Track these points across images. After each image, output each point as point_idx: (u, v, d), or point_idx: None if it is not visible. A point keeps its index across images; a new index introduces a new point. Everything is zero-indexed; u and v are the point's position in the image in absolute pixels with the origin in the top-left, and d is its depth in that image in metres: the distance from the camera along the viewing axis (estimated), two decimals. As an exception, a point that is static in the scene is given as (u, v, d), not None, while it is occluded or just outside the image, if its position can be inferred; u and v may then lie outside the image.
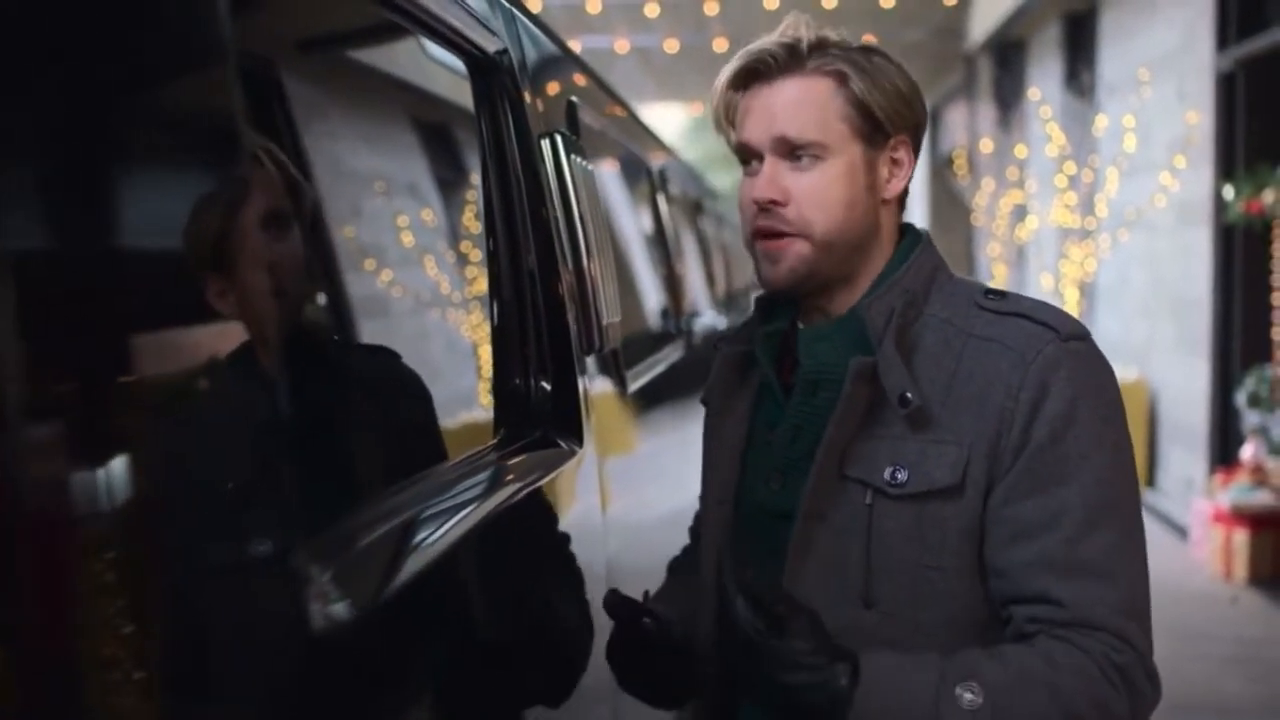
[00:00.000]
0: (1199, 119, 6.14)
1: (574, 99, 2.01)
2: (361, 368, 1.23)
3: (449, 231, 1.51)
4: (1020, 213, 9.68)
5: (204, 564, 0.71)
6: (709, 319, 4.10)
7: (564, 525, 1.48)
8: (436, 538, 1.05)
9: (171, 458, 0.69)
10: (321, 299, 1.19)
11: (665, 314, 3.06)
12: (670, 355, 2.79)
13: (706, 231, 4.73)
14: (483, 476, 1.29)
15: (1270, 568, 5.20)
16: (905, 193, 1.31)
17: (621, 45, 11.55)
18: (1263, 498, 5.28)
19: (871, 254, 1.27)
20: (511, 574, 1.32)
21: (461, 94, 1.52)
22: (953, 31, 11.35)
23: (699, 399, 1.45)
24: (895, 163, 1.27)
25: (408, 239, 1.38)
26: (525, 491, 1.34)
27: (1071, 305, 7.76)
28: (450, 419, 1.38)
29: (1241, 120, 5.91)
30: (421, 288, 1.39)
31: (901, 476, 1.19)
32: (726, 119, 1.30)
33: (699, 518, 1.50)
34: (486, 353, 1.50)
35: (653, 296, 2.95)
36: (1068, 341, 1.19)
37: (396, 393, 1.28)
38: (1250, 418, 5.57)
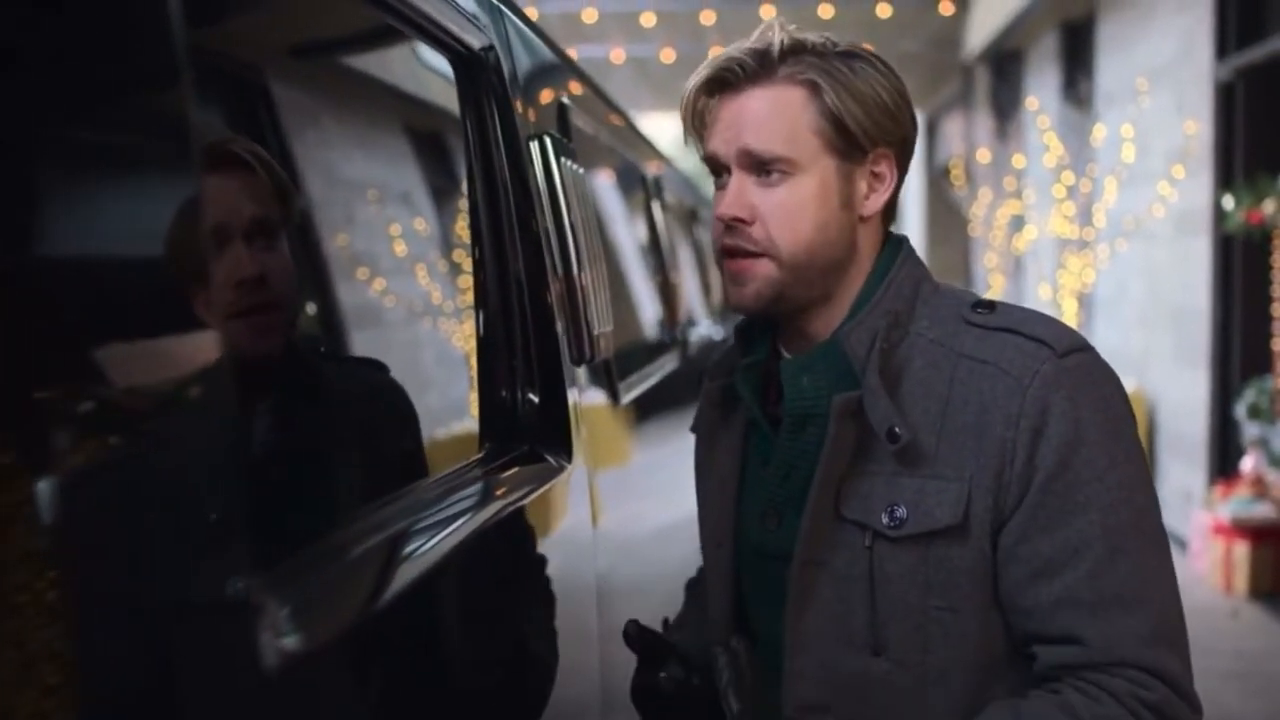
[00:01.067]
0: (1197, 129, 6.09)
1: (565, 101, 1.95)
2: (336, 379, 1.16)
3: (431, 237, 1.45)
4: (1018, 223, 9.63)
5: (148, 591, 0.65)
6: (704, 329, 4.04)
7: (552, 544, 1.41)
8: (412, 561, 0.98)
9: (125, 475, 0.62)
10: (293, 308, 1.12)
11: (660, 323, 2.99)
12: (665, 365, 2.72)
13: (702, 241, 4.67)
14: (465, 494, 1.22)
15: (1271, 581, 5.14)
16: (892, 207, 1.22)
17: (617, 55, 11.50)
18: (1263, 510, 5.22)
19: (849, 273, 1.19)
20: (495, 599, 1.25)
21: (445, 93, 1.46)
22: (950, 41, 11.31)
23: (690, 426, 1.39)
24: (876, 177, 1.18)
25: (386, 245, 1.32)
26: (510, 510, 1.27)
27: (1070, 316, 7.71)
28: (432, 433, 1.31)
29: (1241, 130, 5.87)
30: (401, 295, 1.32)
31: (901, 515, 1.12)
32: (694, 128, 1.22)
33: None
34: (471, 364, 1.43)
35: (647, 306, 2.89)
36: (1065, 357, 1.12)
37: (374, 406, 1.21)
38: (1250, 429, 5.52)
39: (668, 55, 11.45)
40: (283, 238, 1.04)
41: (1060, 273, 8.12)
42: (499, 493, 1.29)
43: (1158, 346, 6.73)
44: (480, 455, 1.36)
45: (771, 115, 1.15)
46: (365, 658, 0.89)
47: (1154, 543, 1.13)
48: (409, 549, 1.00)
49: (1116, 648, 1.08)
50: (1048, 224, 8.50)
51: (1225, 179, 5.84)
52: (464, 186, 1.47)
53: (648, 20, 10.07)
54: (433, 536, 1.05)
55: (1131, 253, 7.15)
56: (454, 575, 1.09)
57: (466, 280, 1.46)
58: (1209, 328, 6.01)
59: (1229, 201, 5.50)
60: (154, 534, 0.65)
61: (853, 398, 1.12)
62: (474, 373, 1.42)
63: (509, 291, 1.46)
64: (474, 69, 1.48)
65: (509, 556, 1.29)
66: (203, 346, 0.68)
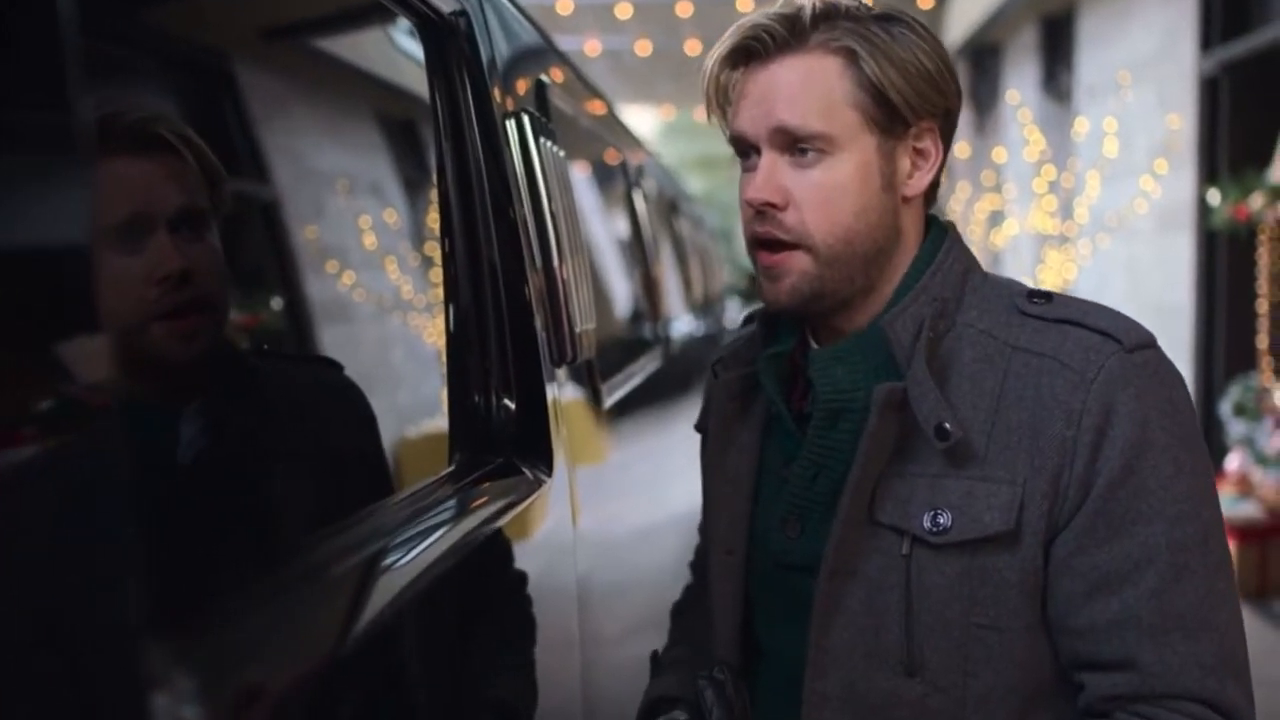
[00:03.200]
0: (1181, 123, 6.03)
1: (545, 79, 1.80)
2: (276, 388, 1.01)
3: (394, 225, 1.29)
4: (996, 218, 9.57)
5: (38, 644, 0.50)
6: (687, 325, 3.90)
7: (531, 569, 1.26)
8: (365, 607, 0.83)
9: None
10: (235, 304, 0.97)
11: (643, 320, 2.84)
12: (648, 365, 2.57)
13: (683, 233, 4.52)
14: (432, 517, 1.07)
15: (1257, 581, 5.06)
16: (935, 187, 1.11)
17: (592, 47, 11.35)
18: (1249, 509, 5.14)
19: (894, 261, 1.08)
20: (466, 645, 1.09)
21: (409, 63, 1.30)
22: (927, 35, 11.24)
23: (695, 424, 1.25)
24: (919, 154, 1.07)
25: (343, 234, 1.16)
26: (484, 534, 1.12)
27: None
28: (394, 446, 1.16)
29: (1225, 124, 5.80)
30: (359, 290, 1.17)
31: (944, 521, 1.00)
32: (718, 104, 1.10)
33: (700, 551, 1.31)
34: (440, 366, 1.28)
35: (629, 301, 2.74)
36: (1133, 352, 1.01)
37: (324, 416, 1.06)
38: (1235, 427, 5.44)
39: (643, 48, 11.32)
40: (211, 227, 0.90)
41: (1040, 268, 8.05)
42: (471, 514, 1.14)
43: (1140, 343, 6.64)
44: (451, 469, 1.21)
45: (806, 87, 1.03)
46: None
47: (1221, 562, 1.01)
48: (361, 591, 0.84)
49: (1178, 677, 0.97)
50: (1028, 219, 8.43)
51: (1209, 174, 5.78)
52: (432, 168, 1.31)
53: (623, 12, 9.92)
54: (392, 572, 0.90)
55: (1113, 248, 7.08)
56: (417, 620, 0.94)
57: (435, 273, 1.30)
58: (1192, 324, 5.95)
59: (1215, 196, 5.41)
60: (19, 587, 0.50)
61: (897, 388, 1.01)
62: (443, 376, 1.27)
63: (483, 286, 1.31)
64: (443, 36, 1.32)
65: (483, 593, 1.13)
66: (86, 354, 0.53)
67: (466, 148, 1.32)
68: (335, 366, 1.13)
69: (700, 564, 1.34)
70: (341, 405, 1.10)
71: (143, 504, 0.57)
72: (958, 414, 1.01)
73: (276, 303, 1.06)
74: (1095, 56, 7.48)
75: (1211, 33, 5.87)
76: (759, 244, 1.06)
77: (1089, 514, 0.99)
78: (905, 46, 1.04)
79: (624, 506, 1.93)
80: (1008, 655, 1.00)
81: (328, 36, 1.20)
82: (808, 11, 1.04)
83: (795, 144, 1.03)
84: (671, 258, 4.01)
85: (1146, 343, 1.02)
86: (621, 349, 2.35)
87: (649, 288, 2.92)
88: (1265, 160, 5.15)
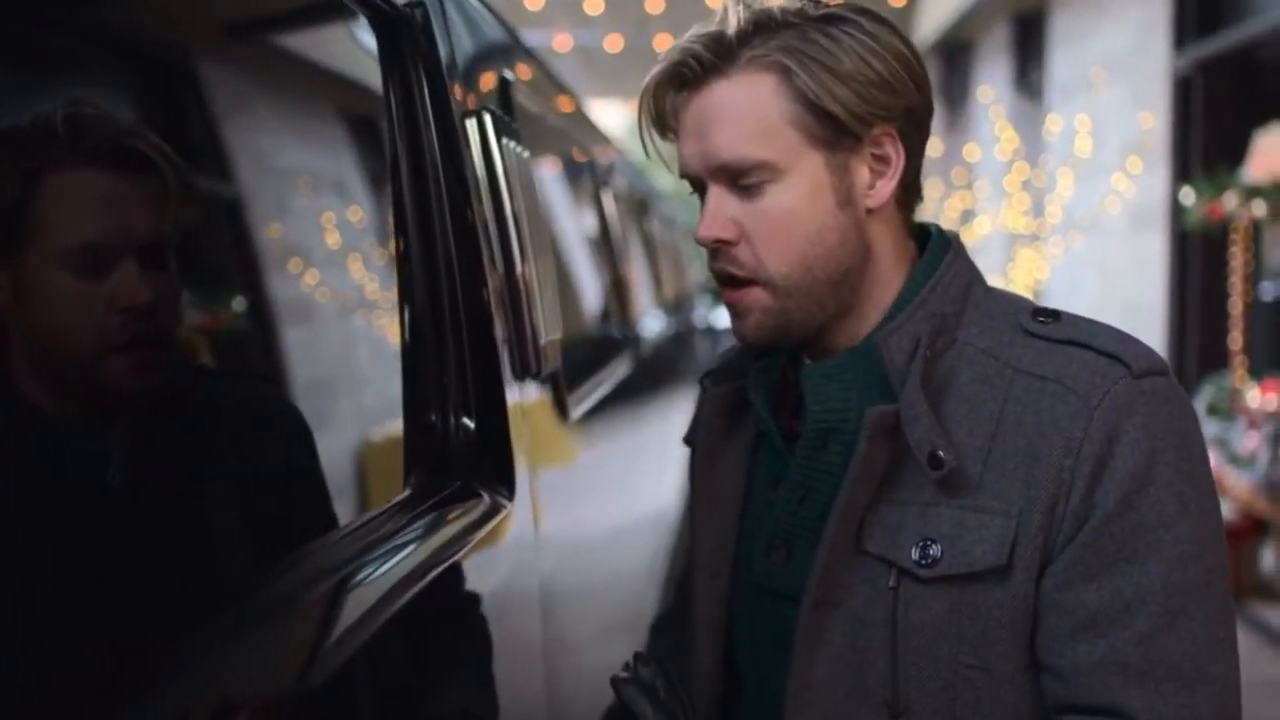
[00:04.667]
0: (1154, 121, 6.01)
1: (508, 75, 1.71)
2: (223, 410, 0.92)
3: (342, 230, 1.20)
4: (968, 216, 9.56)
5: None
6: (657, 326, 3.82)
7: (491, 610, 1.17)
8: (302, 651, 0.74)
9: None
10: (160, 312, 0.88)
11: (612, 324, 2.75)
12: (618, 371, 2.49)
13: (654, 232, 4.44)
14: (379, 552, 0.98)
15: (1231, 582, 5.03)
16: (911, 190, 1.03)
17: (562, 42, 11.24)
18: (1222, 511, 5.13)
19: (867, 279, 1.01)
20: (408, 704, 0.99)
21: (361, 57, 1.21)
22: (899, 32, 11.23)
23: (684, 437, 1.18)
24: (879, 160, 0.99)
25: (286, 241, 1.07)
26: (436, 568, 1.03)
27: (1022, 311, 7.62)
28: (342, 473, 1.07)
29: (1199, 123, 5.79)
30: (305, 300, 1.08)
31: (934, 553, 0.94)
32: (659, 133, 1.03)
33: (684, 570, 1.25)
34: (392, 383, 1.19)
35: (598, 304, 2.65)
36: (1142, 379, 0.93)
37: (270, 442, 0.97)
38: (1208, 428, 5.43)
39: (613, 43, 11.23)
40: (161, 225, 0.84)
41: (1011, 267, 8.04)
42: (424, 545, 1.05)
43: (1112, 342, 6.64)
44: (403, 497, 1.12)
45: (738, 114, 0.96)
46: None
47: (1222, 611, 0.94)
48: (296, 642, 0.76)
49: None
50: (1000, 217, 8.42)
51: (1182, 172, 5.77)
52: (384, 170, 1.22)
53: (594, 7, 9.82)
54: (333, 618, 0.81)
55: (1085, 247, 7.08)
56: (356, 674, 0.85)
57: (387, 284, 1.22)
58: (1164, 324, 5.94)
59: (1188, 195, 5.40)
60: None
61: (889, 411, 0.95)
62: (396, 394, 1.18)
63: (439, 296, 1.22)
64: (398, 29, 1.23)
65: (435, 640, 1.04)
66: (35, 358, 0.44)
67: (422, 148, 1.23)
68: (279, 386, 1.05)
69: (684, 583, 1.27)
70: (285, 429, 1.01)
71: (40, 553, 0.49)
72: (953, 439, 0.94)
73: (215, 315, 0.97)
74: (1068, 54, 7.47)
75: (1185, 30, 5.86)
76: (719, 280, 1.01)
77: (1080, 546, 0.92)
78: (847, 51, 0.95)
79: (595, 530, 1.84)
80: (997, 699, 0.94)
81: (270, 27, 1.11)
82: (733, 28, 0.96)
83: (737, 175, 0.97)
84: (642, 258, 3.92)
85: (1157, 369, 0.95)
86: (590, 356, 2.26)
87: (618, 290, 2.83)
88: (1238, 159, 5.14)
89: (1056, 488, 0.92)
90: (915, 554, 0.94)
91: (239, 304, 1.01)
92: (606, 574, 1.87)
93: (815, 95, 0.94)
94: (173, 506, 0.85)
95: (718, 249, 0.99)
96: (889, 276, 1.01)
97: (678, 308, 4.62)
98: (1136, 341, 0.97)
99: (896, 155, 0.99)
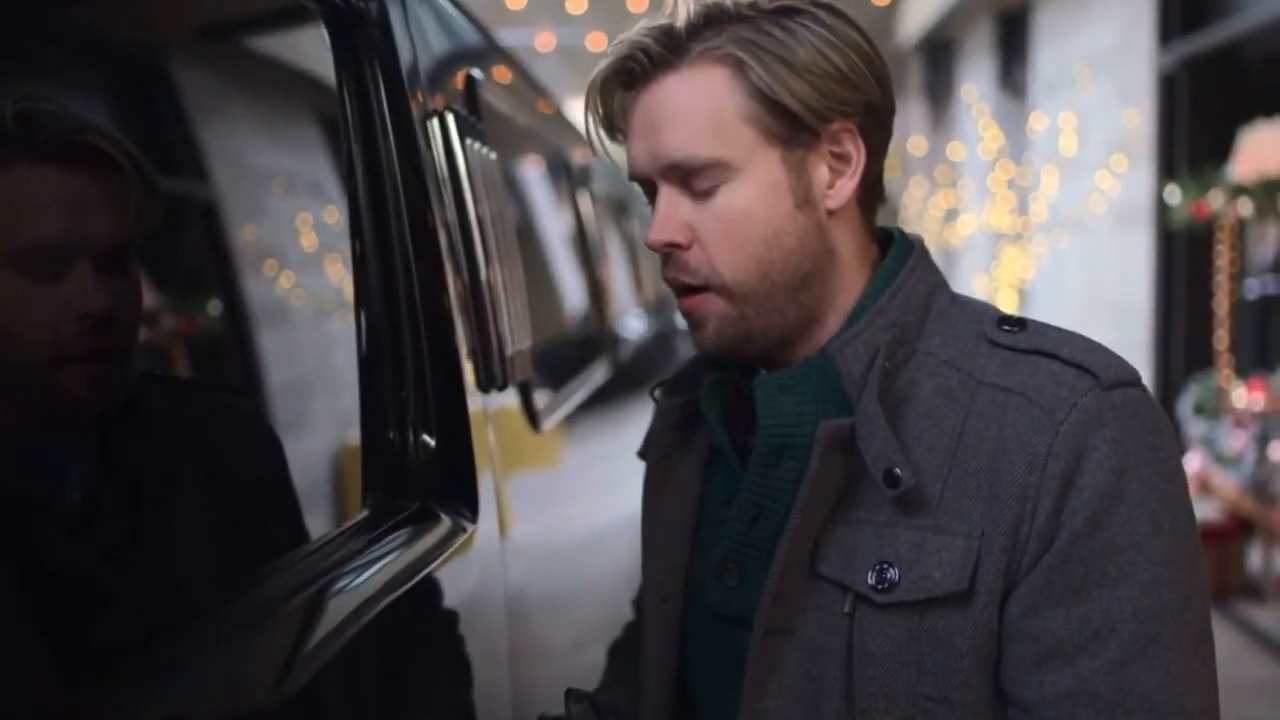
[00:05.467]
0: (1138, 119, 5.99)
1: (475, 73, 1.64)
2: (157, 422, 0.86)
3: (293, 238, 1.13)
4: (952, 215, 9.54)
5: None
6: (637, 329, 3.76)
7: (453, 642, 1.10)
8: (237, 694, 0.68)
9: None
10: (120, 319, 0.82)
11: (589, 329, 2.69)
12: (594, 377, 2.43)
13: (634, 234, 4.38)
14: (331, 580, 0.92)
15: (1217, 583, 5.02)
16: (873, 191, 0.98)
17: (544, 42, 11.17)
18: (1208, 510, 5.10)
19: (831, 283, 0.96)
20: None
21: (311, 51, 1.15)
22: (883, 31, 11.21)
23: (638, 451, 1.13)
24: (839, 158, 0.94)
25: (232, 248, 1.01)
26: (393, 596, 0.97)
27: (1008, 308, 7.60)
28: (290, 493, 1.00)
29: (1184, 121, 5.77)
30: (250, 312, 1.01)
31: (892, 577, 0.89)
32: (608, 133, 0.98)
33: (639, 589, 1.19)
34: (347, 398, 1.12)
35: (573, 310, 2.59)
36: (1112, 390, 0.88)
37: (208, 459, 0.91)
38: (1194, 427, 5.40)
39: (596, 41, 11.17)
40: (95, 231, 0.79)
41: (995, 266, 8.02)
42: (380, 571, 0.98)
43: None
44: (358, 520, 1.06)
45: (689, 110, 0.91)
46: None
47: (1198, 639, 0.89)
48: (243, 673, 0.69)
49: None
50: (984, 216, 8.40)
51: (1167, 170, 5.74)
52: (337, 172, 1.16)
53: (575, 6, 9.75)
54: (279, 649, 0.75)
55: (1070, 245, 7.06)
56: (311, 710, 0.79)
57: (340, 292, 1.15)
58: (1150, 323, 5.92)
59: (1174, 194, 5.37)
60: None
61: (843, 426, 0.90)
62: (350, 410, 1.12)
63: (397, 306, 1.16)
64: (351, 22, 1.17)
65: (393, 683, 0.97)
66: None
67: (378, 149, 1.17)
68: (226, 401, 0.98)
69: (640, 602, 1.22)
70: (232, 447, 0.95)
71: None
72: (912, 456, 0.89)
73: (159, 327, 0.91)
74: (1052, 51, 7.45)
75: (1170, 27, 5.83)
76: (673, 288, 0.96)
77: (1046, 569, 0.87)
78: (804, 43, 0.91)
79: (569, 552, 1.77)
80: None
81: (214, 19, 1.05)
82: (683, 20, 0.91)
83: (688, 175, 0.92)
84: (621, 261, 3.86)
85: (1127, 380, 0.90)
86: (564, 362, 2.20)
87: (595, 294, 2.77)
88: (1223, 157, 5.11)
89: (1020, 507, 0.86)
90: (872, 578, 0.89)
91: (183, 315, 0.94)
92: (582, 604, 1.81)
93: (770, 89, 0.90)
94: (116, 529, 0.79)
95: (670, 254, 0.94)
96: (852, 283, 0.97)
97: (659, 308, 4.56)
98: (1106, 351, 0.92)
99: (857, 152, 0.94)
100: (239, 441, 0.97)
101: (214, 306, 0.96)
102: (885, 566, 0.89)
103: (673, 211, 0.93)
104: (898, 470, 0.87)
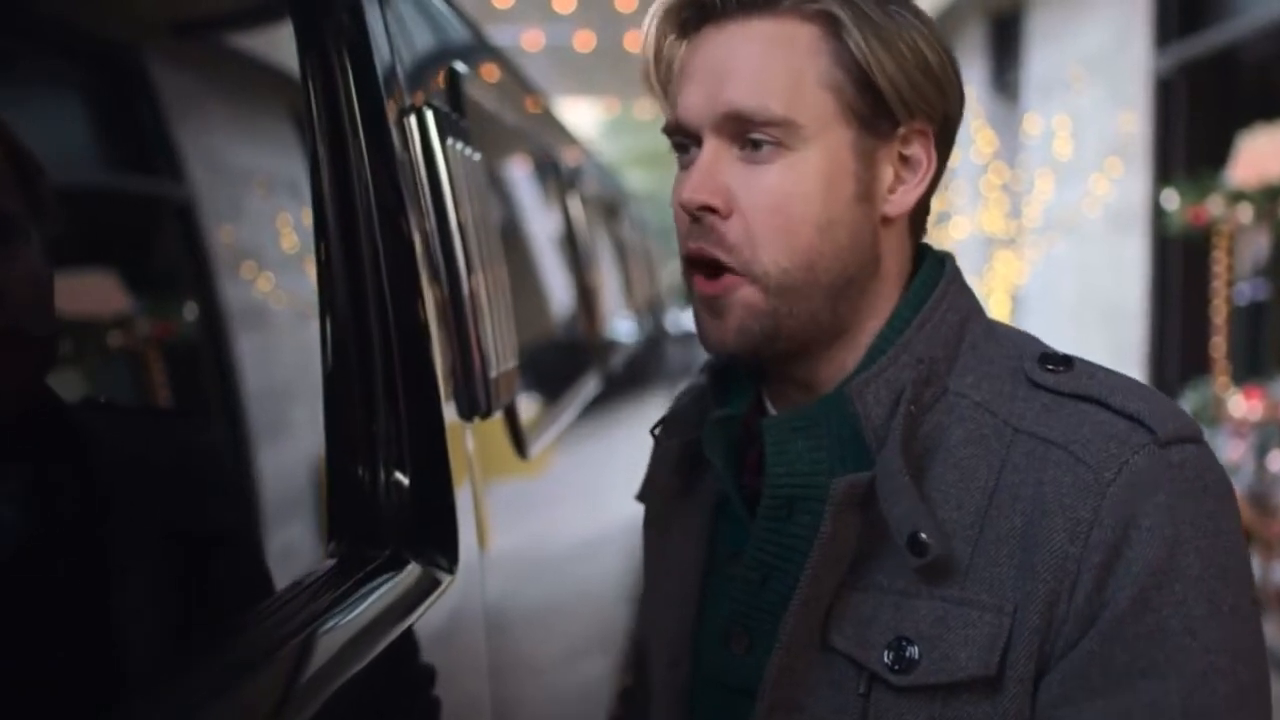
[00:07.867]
0: (1133, 122, 5.92)
1: (459, 68, 1.52)
2: (104, 457, 0.74)
3: (251, 249, 1.00)
4: (944, 218, 9.47)
5: None
6: (628, 337, 3.63)
7: (429, 711, 0.97)
8: None
9: None
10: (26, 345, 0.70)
11: (578, 340, 2.56)
12: (585, 392, 2.30)
13: (625, 238, 4.26)
14: (291, 644, 0.79)
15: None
16: (924, 211, 0.87)
17: (532, 40, 11.05)
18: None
19: (868, 298, 0.85)
20: None
21: (272, 40, 1.02)
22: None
23: (636, 494, 1.01)
24: (906, 163, 0.84)
25: (183, 258, 0.88)
26: (362, 663, 0.84)
27: (1001, 315, 7.53)
28: (244, 541, 0.87)
29: (1181, 124, 5.69)
30: (201, 332, 0.88)
31: (911, 654, 0.78)
32: (659, 81, 0.87)
33: (641, 644, 1.07)
34: (309, 432, 0.99)
35: (562, 320, 2.46)
36: (1169, 447, 0.76)
37: (143, 501, 0.78)
38: (1191, 436, 5.32)
39: (584, 41, 11.07)
40: (27, 239, 0.68)
41: (988, 270, 7.94)
42: (346, 631, 0.86)
43: (1089, 346, 6.55)
44: (323, 572, 0.93)
45: (768, 60, 0.80)
46: None
47: None
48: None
49: None
50: (977, 220, 8.32)
51: (1162, 174, 5.67)
52: (299, 173, 1.03)
53: (563, 5, 9.64)
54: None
55: (1064, 250, 6.98)
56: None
57: (304, 310, 1.02)
58: (1144, 328, 5.85)
59: (1171, 198, 5.27)
60: None
61: (861, 481, 0.79)
62: (315, 445, 0.99)
63: (367, 323, 1.03)
64: (318, 10, 1.04)
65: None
66: None
67: (346, 148, 1.04)
68: (171, 436, 0.86)
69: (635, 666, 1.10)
70: (174, 487, 0.82)
71: None
72: (938, 512, 0.78)
73: (85, 345, 0.78)
74: (1046, 53, 7.38)
75: (1166, 30, 5.77)
76: (694, 264, 0.83)
77: (1084, 654, 0.75)
78: (904, 28, 0.81)
79: (561, 602, 1.64)
80: None
81: (172, 14, 0.91)
82: None
83: (747, 133, 0.80)
84: (612, 265, 3.74)
85: (1188, 435, 0.78)
86: (553, 379, 2.07)
87: (585, 302, 2.64)
88: (1219, 162, 5.03)
89: (1058, 581, 0.75)
90: (888, 657, 0.78)
91: (113, 335, 0.81)
92: (578, 668, 1.68)
93: (865, 58, 0.80)
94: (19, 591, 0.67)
95: (700, 219, 0.81)
96: (886, 304, 0.86)
97: (651, 312, 4.43)
98: (1163, 399, 0.80)
99: (928, 160, 0.84)
100: (187, 483, 0.84)
101: (145, 327, 0.83)
102: (904, 643, 0.78)
103: (717, 169, 0.81)
104: (923, 536, 0.76)
